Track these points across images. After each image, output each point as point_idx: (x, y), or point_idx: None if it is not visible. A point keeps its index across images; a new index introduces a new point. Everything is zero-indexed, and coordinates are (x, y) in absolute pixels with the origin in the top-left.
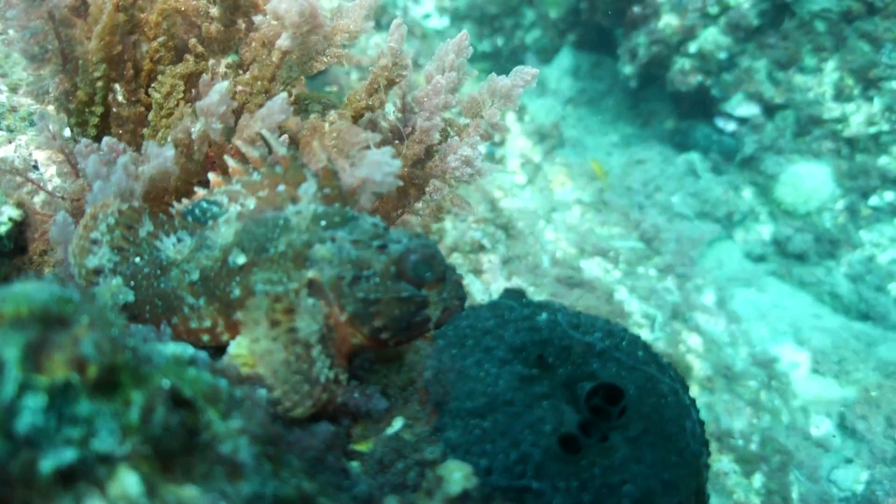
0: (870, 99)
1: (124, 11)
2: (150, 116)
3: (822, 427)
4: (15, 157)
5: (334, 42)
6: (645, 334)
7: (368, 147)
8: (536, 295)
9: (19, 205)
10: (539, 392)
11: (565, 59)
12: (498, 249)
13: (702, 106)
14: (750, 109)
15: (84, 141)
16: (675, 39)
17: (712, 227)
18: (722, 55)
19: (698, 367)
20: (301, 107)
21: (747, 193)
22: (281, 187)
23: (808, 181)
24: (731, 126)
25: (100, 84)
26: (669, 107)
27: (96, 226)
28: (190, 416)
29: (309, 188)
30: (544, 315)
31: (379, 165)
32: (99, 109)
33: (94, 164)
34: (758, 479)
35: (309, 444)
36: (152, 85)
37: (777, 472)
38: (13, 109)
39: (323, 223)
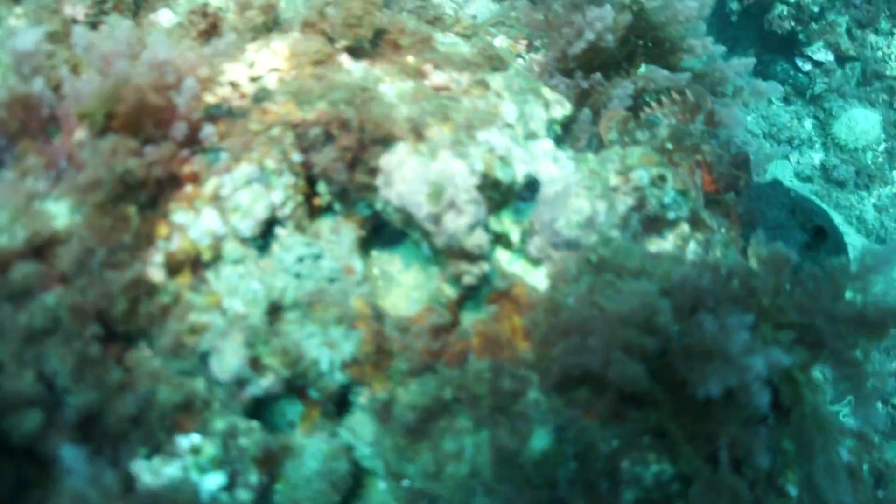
0: None
1: None
2: None
3: None
4: None
5: None
6: None
7: None
8: None
9: None
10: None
11: None
12: None
13: (786, 45)
14: (826, 56)
15: None
16: None
17: (781, 149)
18: (815, 8)
19: None
20: None
21: (808, 124)
22: None
23: (861, 123)
24: (807, 66)
25: None
26: (753, 36)
27: None
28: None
29: None
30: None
31: None
32: None
33: None
34: None
35: None
36: None
37: None
38: None
39: None
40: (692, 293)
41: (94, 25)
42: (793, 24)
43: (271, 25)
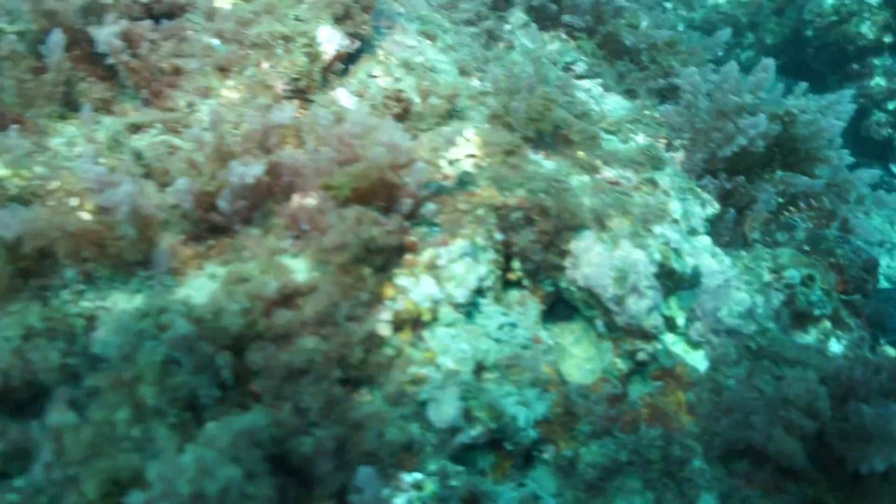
0: None
1: None
2: None
3: None
4: None
5: None
6: None
7: None
8: None
9: None
10: None
11: None
12: None
13: (882, 151)
14: None
15: None
16: (880, 97)
17: (875, 251)
18: None
19: None
20: None
21: None
22: None
23: None
24: None
25: None
26: (849, 140)
27: None
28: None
29: None
30: None
31: None
32: None
33: None
34: None
35: None
36: None
37: None
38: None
39: None
40: (846, 383)
41: (289, 99)
42: (890, 131)
43: (452, 113)
